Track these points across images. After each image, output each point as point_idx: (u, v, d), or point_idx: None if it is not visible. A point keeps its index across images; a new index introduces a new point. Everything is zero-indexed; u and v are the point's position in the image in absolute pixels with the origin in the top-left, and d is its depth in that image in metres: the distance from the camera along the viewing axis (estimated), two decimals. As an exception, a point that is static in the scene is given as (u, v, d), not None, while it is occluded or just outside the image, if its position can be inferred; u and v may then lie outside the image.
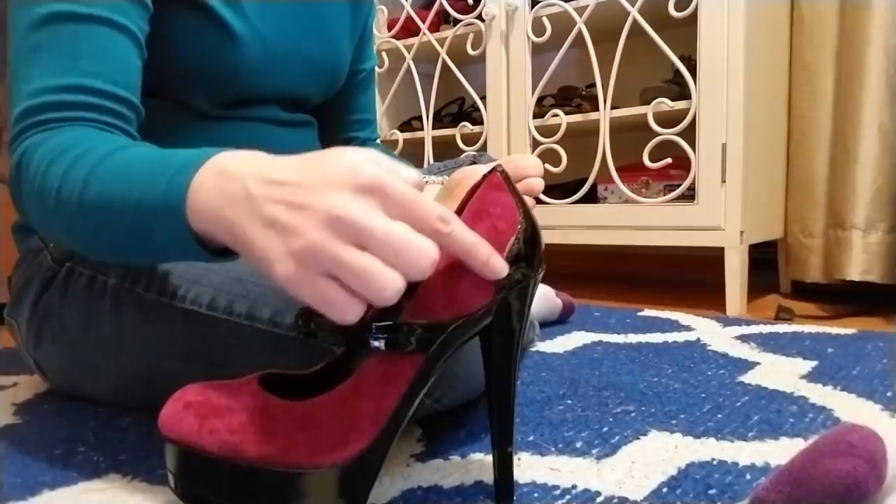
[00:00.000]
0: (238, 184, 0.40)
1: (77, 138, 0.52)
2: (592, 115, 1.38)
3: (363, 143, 0.96)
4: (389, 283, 0.36)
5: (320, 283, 0.36)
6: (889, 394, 0.67)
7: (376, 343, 0.39)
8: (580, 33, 1.35)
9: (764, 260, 1.47)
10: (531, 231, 0.42)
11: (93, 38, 0.56)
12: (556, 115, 1.41)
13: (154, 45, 0.63)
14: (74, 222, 0.50)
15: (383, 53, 1.72)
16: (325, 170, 0.38)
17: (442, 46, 1.59)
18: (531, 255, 0.42)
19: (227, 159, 0.43)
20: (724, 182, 1.20)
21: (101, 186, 0.47)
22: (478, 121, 1.58)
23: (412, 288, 0.41)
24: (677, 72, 1.28)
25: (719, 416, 0.62)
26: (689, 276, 1.66)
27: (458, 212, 0.42)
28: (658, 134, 1.26)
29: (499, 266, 0.39)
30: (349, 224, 0.36)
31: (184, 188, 0.43)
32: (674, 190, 1.28)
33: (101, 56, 0.56)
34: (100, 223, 0.48)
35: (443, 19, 1.65)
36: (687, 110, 1.23)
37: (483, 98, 1.53)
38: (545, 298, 1.06)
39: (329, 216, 0.36)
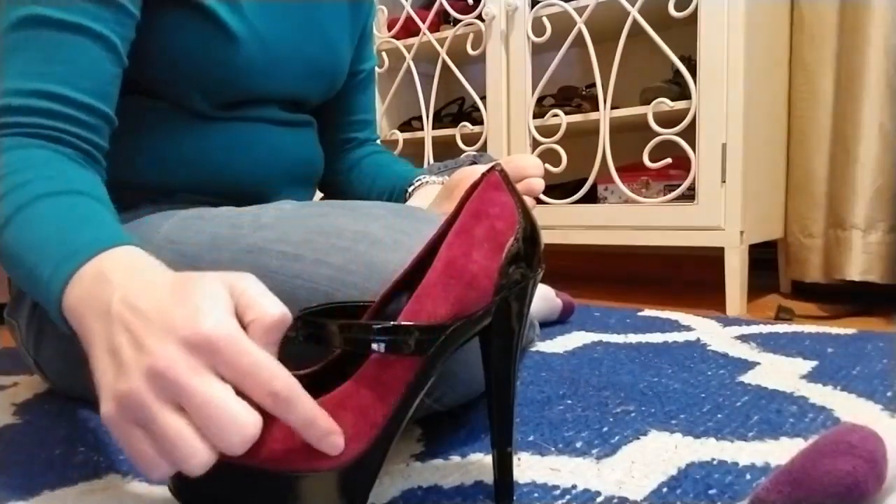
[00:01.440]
0: (106, 294, 0.39)
1: (24, 162, 0.52)
2: (592, 115, 1.38)
3: (362, 143, 0.96)
4: (195, 455, 0.33)
5: (134, 434, 0.35)
6: (889, 394, 0.67)
7: (375, 345, 0.38)
8: (580, 33, 1.35)
9: (764, 260, 1.46)
10: (530, 231, 0.42)
11: (65, 45, 0.56)
12: (556, 115, 1.41)
13: (152, 46, 0.63)
14: None
15: (383, 53, 1.72)
16: (176, 306, 0.36)
17: (442, 46, 1.59)
18: (530, 255, 0.42)
19: (111, 261, 0.42)
20: (724, 182, 1.20)
21: (16, 233, 0.48)
22: (478, 121, 1.58)
23: (412, 288, 0.42)
24: (677, 72, 1.28)
25: (719, 416, 0.62)
26: (689, 276, 1.66)
27: (457, 212, 0.42)
28: (658, 134, 1.26)
29: (336, 446, 0.37)
30: (169, 381, 0.34)
31: (64, 281, 0.43)
32: (674, 190, 1.28)
33: (72, 64, 0.56)
34: (8, 263, 0.50)
35: (443, 19, 1.65)
36: (687, 110, 1.23)
37: (483, 98, 1.53)
38: (545, 298, 1.06)
39: (152, 367, 0.34)
